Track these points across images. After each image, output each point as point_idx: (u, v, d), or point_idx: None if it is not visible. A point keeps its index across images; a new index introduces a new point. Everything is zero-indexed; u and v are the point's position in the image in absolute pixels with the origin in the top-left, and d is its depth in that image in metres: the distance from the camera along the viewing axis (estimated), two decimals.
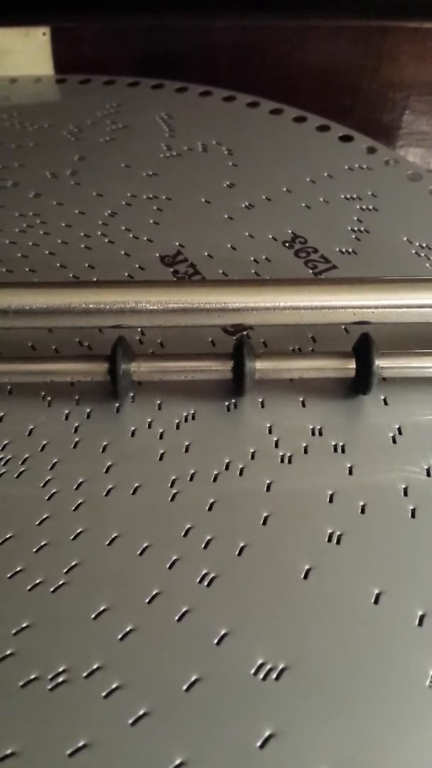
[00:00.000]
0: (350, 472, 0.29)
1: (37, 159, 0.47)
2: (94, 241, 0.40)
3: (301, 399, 0.32)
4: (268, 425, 0.31)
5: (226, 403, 0.31)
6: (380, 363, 0.30)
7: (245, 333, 0.34)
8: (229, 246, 0.39)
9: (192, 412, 0.31)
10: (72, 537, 0.27)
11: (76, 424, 0.31)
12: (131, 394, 0.32)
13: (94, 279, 0.38)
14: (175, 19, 0.59)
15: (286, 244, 0.40)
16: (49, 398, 0.32)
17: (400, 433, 0.30)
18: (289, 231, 0.40)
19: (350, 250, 0.39)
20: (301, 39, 0.59)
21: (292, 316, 0.31)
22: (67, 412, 0.31)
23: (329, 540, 0.26)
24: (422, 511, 0.27)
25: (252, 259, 0.39)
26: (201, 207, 0.42)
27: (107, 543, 0.26)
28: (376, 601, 0.24)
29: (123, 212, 0.42)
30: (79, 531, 0.27)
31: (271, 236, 0.40)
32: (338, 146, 0.47)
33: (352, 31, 0.58)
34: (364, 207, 0.42)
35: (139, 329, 0.34)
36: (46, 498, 0.28)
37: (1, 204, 0.43)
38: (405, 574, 0.25)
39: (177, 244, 0.40)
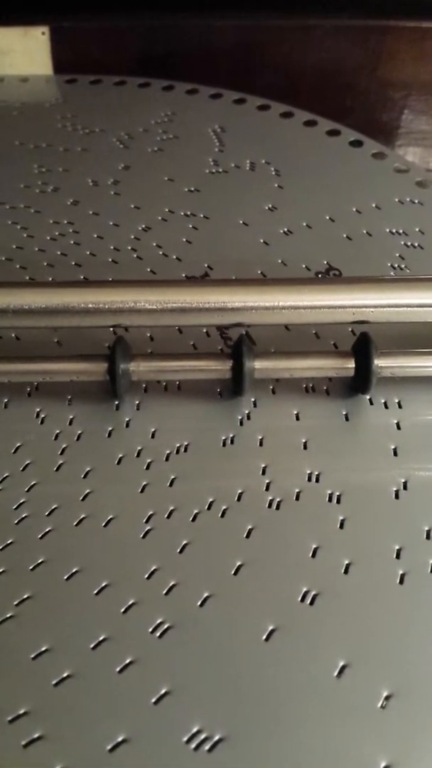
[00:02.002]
0: (341, 526, 0.27)
1: (82, 165, 0.46)
2: (122, 255, 0.39)
3: (303, 440, 0.30)
4: (263, 465, 0.29)
5: (223, 438, 0.30)
6: (379, 362, 0.30)
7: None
8: (259, 272, 0.38)
9: (186, 443, 0.29)
10: (31, 567, 0.25)
11: (64, 446, 0.30)
12: (127, 419, 0.30)
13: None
14: (175, 19, 0.58)
15: (319, 275, 0.37)
16: (42, 416, 0.31)
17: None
18: (325, 262, 0.38)
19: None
20: (300, 39, 0.58)
21: (291, 316, 0.30)
22: (58, 431, 0.30)
23: (302, 599, 0.24)
24: (413, 578, 0.25)
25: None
26: (237, 229, 0.41)
27: (66, 577, 0.25)
28: (339, 674, 0.22)
29: (157, 228, 0.41)
30: (40, 561, 0.25)
31: (304, 266, 0.38)
32: (392, 177, 0.45)
33: (351, 31, 0.58)
34: (409, 243, 0.39)
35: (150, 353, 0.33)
36: (15, 522, 0.27)
37: (38, 209, 0.43)
38: (378, 647, 0.23)
39: (206, 265, 0.38)
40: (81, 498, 0.27)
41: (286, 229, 0.41)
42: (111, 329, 0.32)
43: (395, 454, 0.29)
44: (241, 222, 0.41)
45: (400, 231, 0.40)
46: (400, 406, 0.31)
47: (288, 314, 0.30)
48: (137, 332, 0.33)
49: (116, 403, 0.31)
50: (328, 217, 0.41)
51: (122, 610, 0.24)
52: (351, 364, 0.30)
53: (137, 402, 0.31)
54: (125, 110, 0.52)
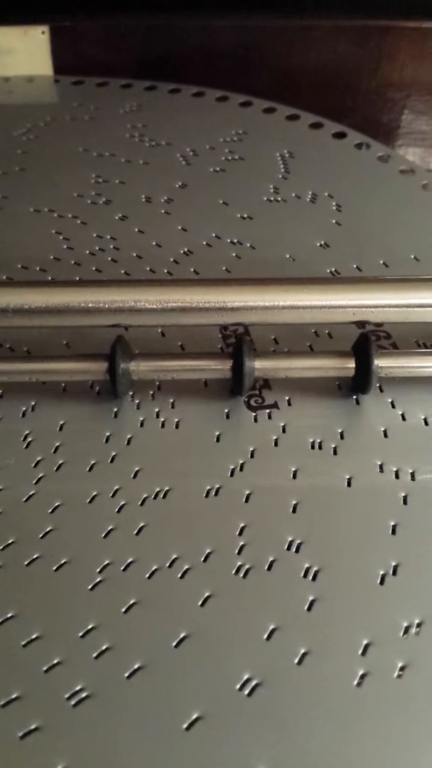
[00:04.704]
0: (309, 607, 0.24)
1: (140, 179, 0.45)
2: (158, 278, 0.38)
3: (294, 502, 0.27)
4: (242, 525, 0.26)
5: (207, 488, 0.28)
6: (379, 362, 0.30)
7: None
8: None
9: (166, 489, 0.28)
10: None
11: (41, 475, 0.28)
12: (113, 454, 0.29)
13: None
14: (175, 19, 0.58)
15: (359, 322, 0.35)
16: (30, 439, 0.29)
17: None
18: None
19: (431, 344, 0.34)
20: (300, 39, 0.58)
21: (292, 315, 0.30)
22: (39, 458, 0.29)
23: (241, 687, 0.22)
24: (373, 680, 0.22)
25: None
26: (282, 263, 0.39)
27: None
28: None
29: (199, 253, 0.39)
30: None
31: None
32: None
33: (351, 31, 0.57)
34: None
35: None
36: None
37: (85, 221, 0.42)
38: (305, 760, 0.20)
39: None
40: (40, 535, 0.26)
41: (333, 270, 0.38)
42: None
43: (393, 532, 0.26)
44: (287, 256, 0.39)
45: None
46: (413, 478, 0.28)
47: (288, 313, 0.30)
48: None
49: (107, 434, 0.29)
50: (381, 262, 0.39)
51: (45, 668, 0.22)
52: (351, 364, 0.30)
53: (129, 436, 0.29)
54: (197, 125, 0.51)
